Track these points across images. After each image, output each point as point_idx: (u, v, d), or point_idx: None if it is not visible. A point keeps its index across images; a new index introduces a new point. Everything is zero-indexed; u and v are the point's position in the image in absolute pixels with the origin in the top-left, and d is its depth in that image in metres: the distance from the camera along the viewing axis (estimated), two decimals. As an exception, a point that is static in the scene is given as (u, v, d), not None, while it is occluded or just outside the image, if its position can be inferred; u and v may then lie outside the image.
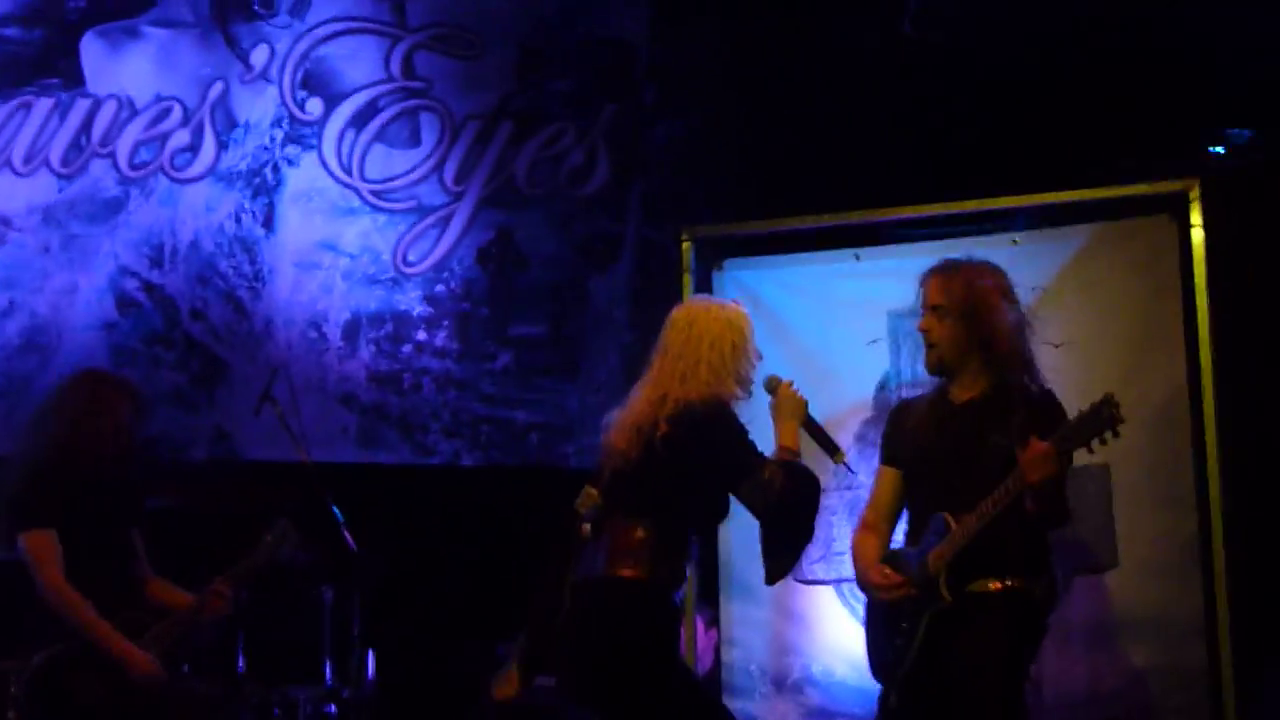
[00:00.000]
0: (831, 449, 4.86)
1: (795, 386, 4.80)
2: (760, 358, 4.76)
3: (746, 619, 6.11)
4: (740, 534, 6.08)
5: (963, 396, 4.77)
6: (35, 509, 5.47)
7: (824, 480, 5.87)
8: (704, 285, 6.24)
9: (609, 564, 4.55)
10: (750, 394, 4.72)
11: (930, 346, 4.82)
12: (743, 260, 6.31)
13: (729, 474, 4.58)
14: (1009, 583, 4.56)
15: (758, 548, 6.03)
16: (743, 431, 4.60)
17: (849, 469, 5.10)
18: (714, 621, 6.38)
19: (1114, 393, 4.36)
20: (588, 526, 4.66)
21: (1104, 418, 4.33)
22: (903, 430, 4.91)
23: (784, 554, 4.70)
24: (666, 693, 4.47)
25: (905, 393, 5.51)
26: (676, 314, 4.80)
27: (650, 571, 4.50)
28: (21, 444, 5.77)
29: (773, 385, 4.80)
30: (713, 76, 8.16)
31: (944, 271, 4.83)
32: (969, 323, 4.73)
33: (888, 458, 4.97)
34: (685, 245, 6.25)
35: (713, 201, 7.50)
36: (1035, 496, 4.42)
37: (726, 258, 6.30)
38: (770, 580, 4.75)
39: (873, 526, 4.91)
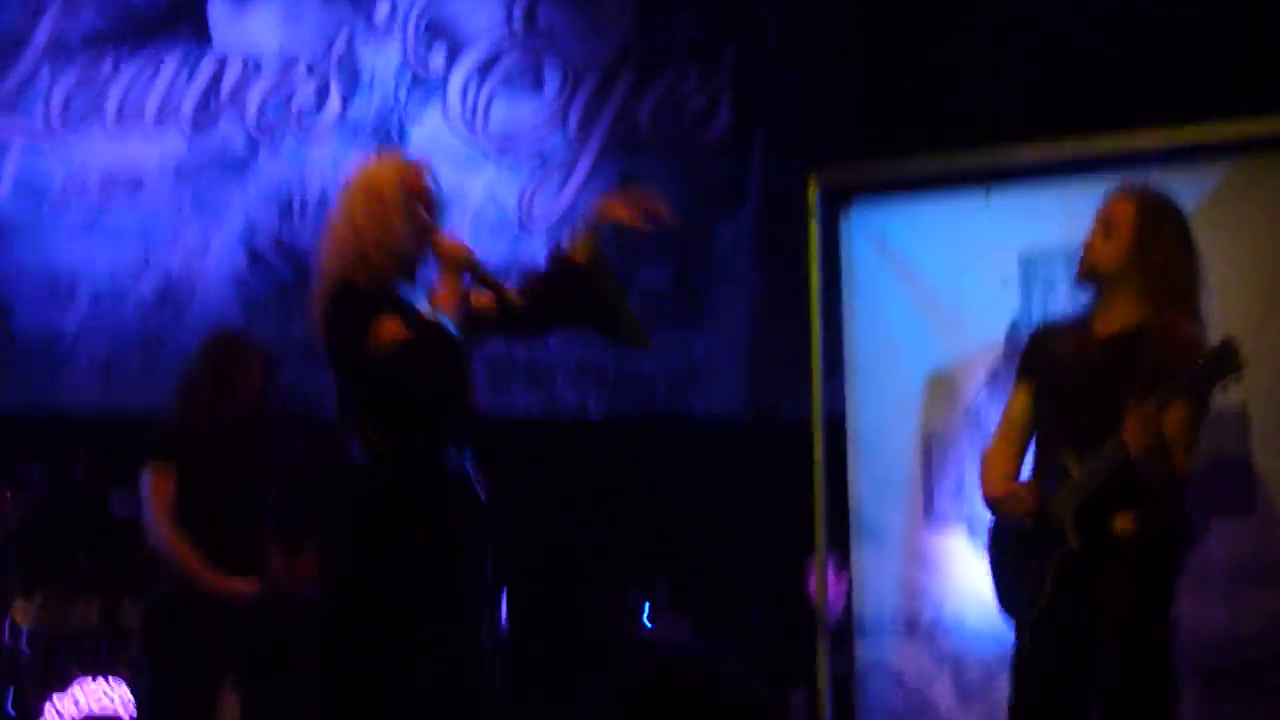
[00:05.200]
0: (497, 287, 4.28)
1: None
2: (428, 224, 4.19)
3: (876, 562, 6.07)
4: (870, 476, 6.06)
5: (1110, 328, 4.63)
6: (155, 446, 5.66)
7: (956, 430, 5.85)
8: (831, 228, 6.16)
9: None
10: (410, 273, 4.18)
11: (1089, 260, 4.68)
12: (870, 202, 6.23)
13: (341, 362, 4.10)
14: (1139, 523, 4.47)
15: (888, 491, 6.03)
16: (355, 312, 4.04)
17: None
18: (844, 564, 6.35)
19: (1234, 336, 4.26)
20: None
21: (1225, 364, 4.23)
22: (1042, 351, 4.77)
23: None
24: None
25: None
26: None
27: None
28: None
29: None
30: (836, 15, 8.08)
31: (1127, 192, 4.71)
32: (1138, 244, 4.59)
33: (1024, 372, 4.80)
34: (811, 188, 6.16)
35: (839, 143, 7.44)
36: (1142, 464, 4.33)
37: (854, 200, 6.21)
38: None
39: (1002, 444, 4.81)
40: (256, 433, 5.82)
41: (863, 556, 6.11)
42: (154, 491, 5.59)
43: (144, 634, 5.71)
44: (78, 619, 6.68)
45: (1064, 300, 5.30)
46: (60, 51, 8.06)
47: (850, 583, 6.19)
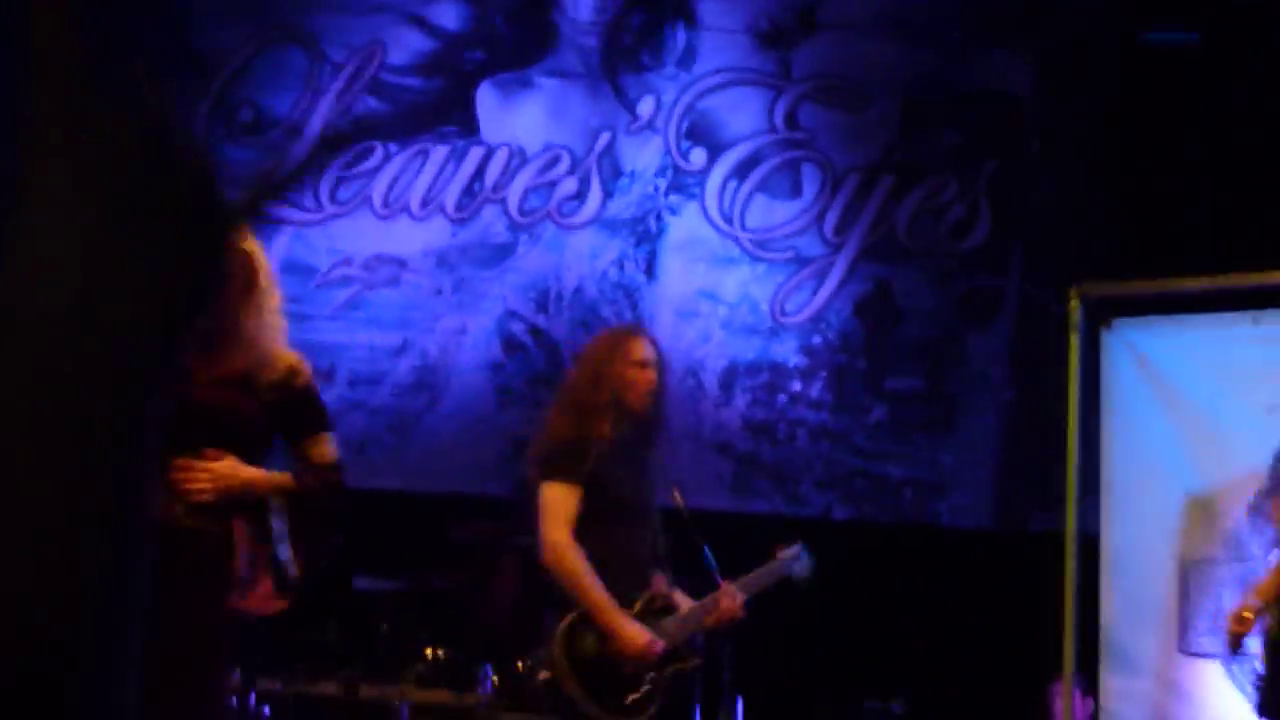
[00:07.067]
0: None
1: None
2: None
3: (1126, 691, 5.92)
4: (1123, 598, 5.92)
5: None
6: (558, 464, 4.88)
7: (1216, 556, 5.69)
8: (1091, 345, 6.08)
9: None
10: None
11: None
12: (1133, 320, 6.13)
13: None
14: None
15: (1141, 615, 5.89)
16: None
17: None
18: (1090, 688, 6.20)
19: None
20: None
21: None
22: None
23: None
24: None
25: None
26: None
27: None
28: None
29: None
30: (1098, 129, 7.99)
31: None
32: None
33: None
34: (1073, 303, 6.08)
35: (1099, 259, 7.32)
36: None
37: (1116, 317, 6.12)
38: None
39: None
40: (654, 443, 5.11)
41: (1111, 681, 5.97)
42: (553, 510, 4.79)
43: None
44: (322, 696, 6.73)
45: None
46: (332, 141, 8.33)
47: (1096, 707, 6.05)
